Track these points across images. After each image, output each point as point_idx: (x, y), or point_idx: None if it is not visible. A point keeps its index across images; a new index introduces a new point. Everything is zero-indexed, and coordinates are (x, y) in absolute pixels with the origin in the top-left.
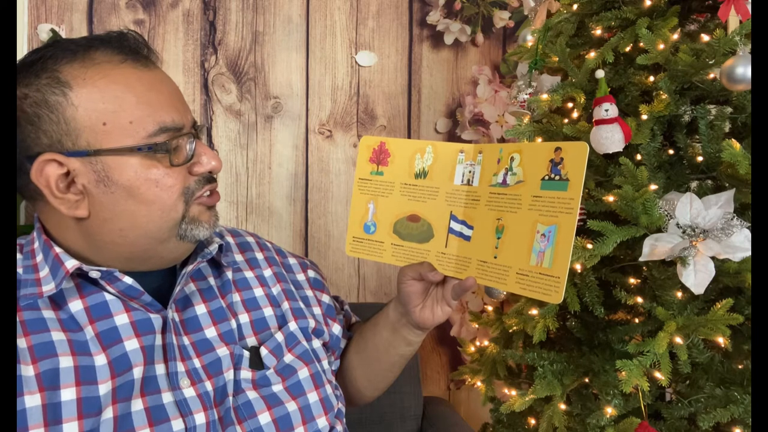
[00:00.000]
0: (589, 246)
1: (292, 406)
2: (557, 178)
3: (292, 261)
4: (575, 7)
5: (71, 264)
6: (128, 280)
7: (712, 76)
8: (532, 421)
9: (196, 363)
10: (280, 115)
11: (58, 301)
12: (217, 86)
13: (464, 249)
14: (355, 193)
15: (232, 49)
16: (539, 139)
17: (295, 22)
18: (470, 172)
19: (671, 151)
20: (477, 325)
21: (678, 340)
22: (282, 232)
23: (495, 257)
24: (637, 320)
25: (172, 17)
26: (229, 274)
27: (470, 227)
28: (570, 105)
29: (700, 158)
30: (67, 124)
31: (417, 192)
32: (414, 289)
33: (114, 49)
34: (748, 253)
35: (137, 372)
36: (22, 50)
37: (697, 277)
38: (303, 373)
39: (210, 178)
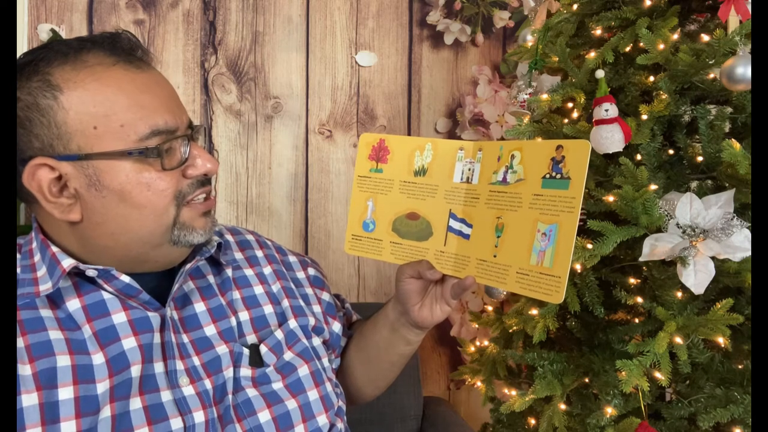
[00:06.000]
0: (589, 246)
1: (292, 404)
2: (558, 176)
3: (292, 259)
4: (575, 7)
5: (68, 263)
6: (125, 278)
7: (712, 76)
8: (532, 421)
9: (196, 361)
10: (280, 115)
11: (55, 300)
12: (217, 86)
13: (463, 247)
14: (354, 191)
15: (232, 49)
16: (539, 139)
17: (295, 22)
18: (470, 169)
19: (671, 151)
20: (477, 325)
21: (678, 340)
22: (282, 232)
23: (494, 256)
24: (637, 320)
25: (172, 17)
26: (229, 272)
27: (469, 225)
28: (570, 105)
29: (700, 158)
30: (58, 127)
31: (416, 190)
32: (412, 287)
33: (106, 50)
34: (748, 253)
35: (135, 370)
36: (22, 50)
37: (697, 277)
38: (303, 370)
39: (204, 181)
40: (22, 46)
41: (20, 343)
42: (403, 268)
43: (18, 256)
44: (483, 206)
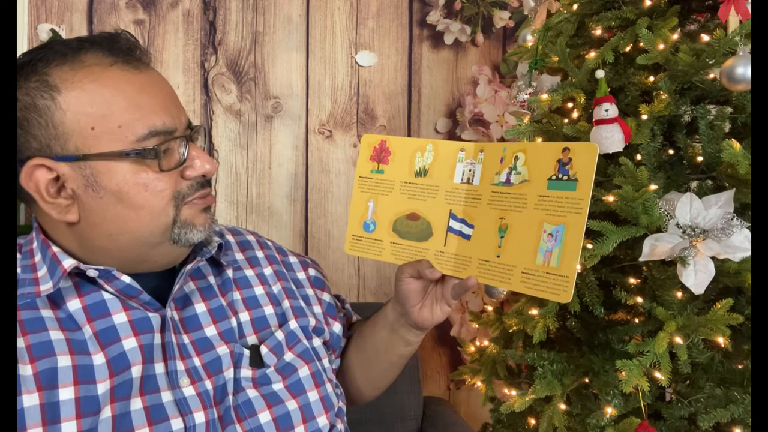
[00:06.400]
0: (589, 246)
1: (292, 405)
2: (565, 178)
3: (292, 259)
4: (575, 7)
5: (69, 263)
6: (126, 278)
7: (712, 76)
8: (532, 421)
9: (196, 362)
10: (280, 115)
11: (56, 300)
12: (217, 86)
13: (464, 248)
14: (355, 191)
15: (232, 49)
16: (539, 139)
17: (295, 22)
18: (470, 170)
19: (671, 151)
20: (477, 325)
21: (678, 340)
22: (282, 232)
23: (498, 256)
24: (637, 320)
25: (172, 17)
26: (230, 272)
27: (470, 226)
28: (570, 105)
29: (700, 158)
30: (56, 128)
31: (417, 190)
32: (412, 287)
33: (104, 50)
34: (748, 253)
35: (136, 371)
36: (22, 50)
37: (697, 277)
38: (303, 371)
39: (204, 183)
40: (22, 46)
41: (21, 343)
42: (403, 268)
43: (18, 255)
44: (485, 207)
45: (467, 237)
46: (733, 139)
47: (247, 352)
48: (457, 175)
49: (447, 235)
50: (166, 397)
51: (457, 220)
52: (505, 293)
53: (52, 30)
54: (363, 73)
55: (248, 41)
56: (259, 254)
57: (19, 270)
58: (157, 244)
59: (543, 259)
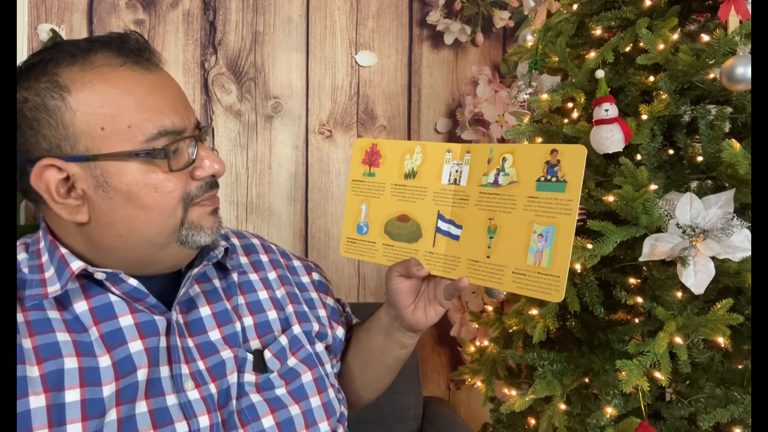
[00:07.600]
0: (589, 246)
1: (295, 410)
2: (554, 179)
3: (296, 263)
4: (575, 7)
5: (77, 265)
6: (133, 281)
7: (712, 76)
8: (532, 421)
9: (201, 365)
10: (280, 115)
11: (63, 301)
12: (217, 86)
13: (452, 248)
14: (348, 195)
15: (232, 49)
16: (539, 140)
17: (295, 22)
18: (457, 171)
19: (671, 151)
20: (477, 325)
21: (678, 340)
22: (282, 232)
23: (488, 257)
24: (637, 320)
25: (172, 17)
26: (235, 276)
27: (458, 227)
28: (570, 105)
29: (700, 158)
30: (66, 128)
31: (406, 192)
32: (402, 287)
33: (114, 51)
34: (748, 253)
35: (141, 374)
36: (22, 50)
37: (697, 277)
38: (306, 377)
39: (213, 183)
40: (22, 46)
41: (28, 344)
42: (392, 268)
43: (25, 255)
44: (473, 207)
45: (455, 237)
46: (733, 139)
47: (250, 356)
48: (444, 176)
49: (435, 236)
50: (171, 400)
51: (445, 220)
52: (504, 293)
53: (52, 30)
54: (363, 73)
55: (248, 41)
56: (264, 258)
57: (26, 270)
58: (165, 245)
59: (534, 259)
